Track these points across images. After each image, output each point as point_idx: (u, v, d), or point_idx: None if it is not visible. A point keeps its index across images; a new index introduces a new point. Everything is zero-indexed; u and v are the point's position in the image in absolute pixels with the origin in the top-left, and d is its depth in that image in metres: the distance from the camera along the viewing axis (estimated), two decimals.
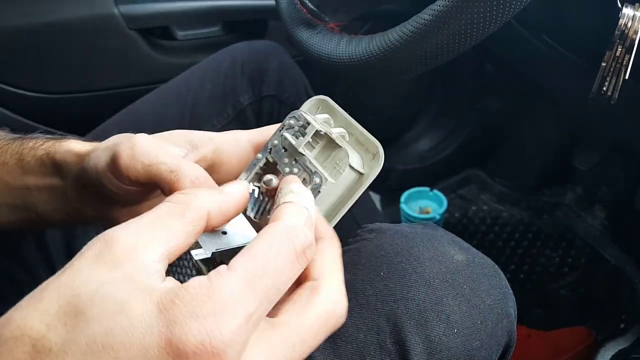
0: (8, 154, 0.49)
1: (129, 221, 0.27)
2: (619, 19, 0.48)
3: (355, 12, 0.66)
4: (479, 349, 0.40)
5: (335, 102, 0.42)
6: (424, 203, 1.27)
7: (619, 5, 0.49)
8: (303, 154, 0.37)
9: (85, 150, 0.43)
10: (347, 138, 0.39)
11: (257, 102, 0.80)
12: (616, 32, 0.49)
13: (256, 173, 0.39)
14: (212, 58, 0.84)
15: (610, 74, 0.52)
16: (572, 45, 0.74)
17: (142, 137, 0.38)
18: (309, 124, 0.38)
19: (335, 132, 0.38)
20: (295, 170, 0.37)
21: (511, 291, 0.45)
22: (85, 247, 0.26)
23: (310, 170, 0.37)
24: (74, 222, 0.50)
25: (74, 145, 0.45)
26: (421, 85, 1.35)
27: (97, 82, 0.99)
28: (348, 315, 0.39)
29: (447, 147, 1.38)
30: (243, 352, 0.24)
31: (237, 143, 0.41)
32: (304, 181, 0.37)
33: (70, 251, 0.66)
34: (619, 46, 0.49)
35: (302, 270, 0.27)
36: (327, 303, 0.28)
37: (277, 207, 0.30)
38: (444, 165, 1.38)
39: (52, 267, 0.65)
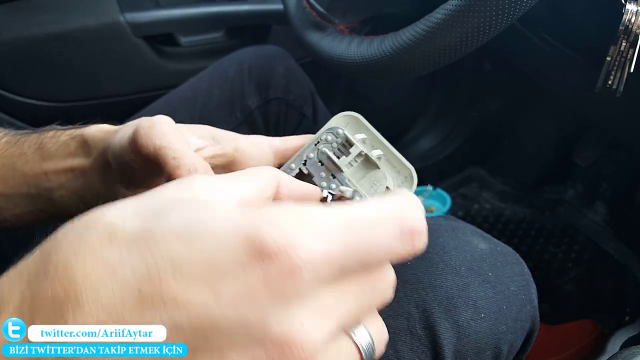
0: (26, 145, 0.50)
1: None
2: (623, 14, 0.50)
3: (364, 14, 0.67)
4: (505, 333, 0.42)
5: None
6: (427, 202, 1.28)
7: (623, 1, 0.51)
8: (342, 171, 0.39)
9: (114, 128, 0.45)
10: (382, 159, 0.41)
11: (264, 105, 0.81)
12: (620, 27, 0.50)
13: None
14: (219, 63, 0.85)
15: (615, 68, 0.53)
16: (571, 42, 0.75)
17: (163, 119, 0.40)
18: (349, 142, 0.39)
19: (374, 154, 0.40)
20: (333, 185, 0.39)
21: (533, 280, 0.46)
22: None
23: (350, 188, 0.38)
24: (84, 209, 0.51)
25: (103, 125, 0.47)
26: (421, 85, 1.37)
27: (104, 90, 1.00)
28: None
29: (447, 146, 1.40)
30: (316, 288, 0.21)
31: (259, 147, 0.43)
32: (340, 198, 0.37)
33: None
34: (624, 41, 0.51)
35: (403, 256, 0.23)
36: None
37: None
38: (445, 164, 1.39)
39: None
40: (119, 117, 0.82)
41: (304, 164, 0.41)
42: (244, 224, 0.21)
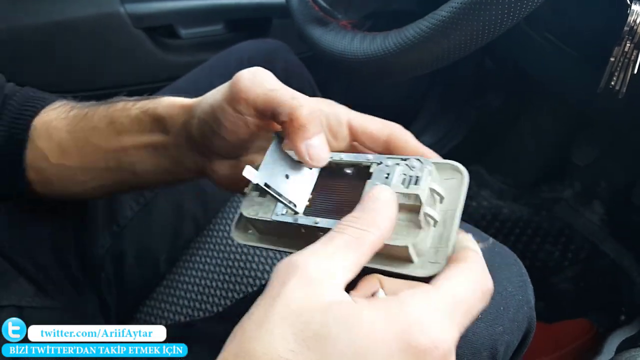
0: (96, 118, 0.49)
1: (309, 250, 0.29)
2: (628, 15, 0.50)
3: (367, 9, 0.67)
4: (502, 333, 0.42)
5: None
6: None
7: (628, 2, 0.50)
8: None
9: (191, 102, 0.44)
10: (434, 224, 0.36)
11: None
12: (625, 28, 0.50)
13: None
14: (219, 57, 0.84)
15: (618, 69, 0.53)
16: (574, 42, 0.75)
17: (260, 68, 0.40)
18: (418, 178, 0.35)
19: (428, 211, 0.34)
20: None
21: (530, 280, 0.47)
22: (282, 274, 0.28)
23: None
24: (171, 179, 0.50)
25: (176, 100, 0.45)
26: (421, 82, 1.37)
27: (103, 81, 0.99)
28: None
29: (447, 143, 1.40)
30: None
31: (336, 117, 0.42)
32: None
33: (85, 251, 0.66)
34: (628, 42, 0.51)
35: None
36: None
37: (461, 249, 0.33)
38: None
39: (66, 267, 0.65)
40: None
41: (379, 164, 0.38)
42: (398, 333, 0.25)
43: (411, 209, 0.35)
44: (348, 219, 0.31)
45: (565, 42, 0.77)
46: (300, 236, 0.39)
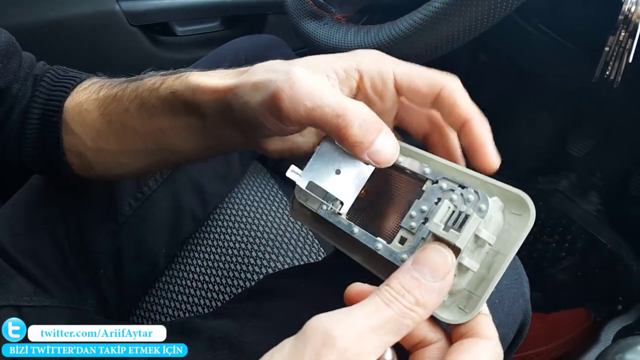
0: (126, 100, 0.46)
1: (351, 319, 0.28)
2: (622, 3, 0.50)
3: (361, 3, 0.67)
4: (497, 327, 0.41)
5: None
6: None
7: None
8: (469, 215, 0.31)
9: (224, 86, 0.40)
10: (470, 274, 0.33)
11: None
12: (620, 16, 0.50)
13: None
14: (215, 52, 0.84)
15: (613, 59, 0.53)
16: (568, 33, 0.76)
17: (300, 74, 0.35)
18: (465, 220, 0.31)
19: (467, 263, 0.32)
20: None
21: (525, 272, 0.47)
22: (317, 342, 0.27)
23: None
24: (213, 154, 0.48)
25: (206, 81, 0.41)
26: None
27: None
28: None
29: None
30: None
31: (384, 80, 0.38)
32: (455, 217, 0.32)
33: (84, 248, 0.66)
34: (622, 30, 0.51)
35: None
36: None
37: (478, 314, 0.32)
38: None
39: (66, 265, 0.65)
40: None
41: (434, 182, 0.34)
42: None
43: (451, 249, 0.31)
44: (398, 288, 0.29)
45: (558, 32, 0.77)
46: (340, 235, 0.37)
